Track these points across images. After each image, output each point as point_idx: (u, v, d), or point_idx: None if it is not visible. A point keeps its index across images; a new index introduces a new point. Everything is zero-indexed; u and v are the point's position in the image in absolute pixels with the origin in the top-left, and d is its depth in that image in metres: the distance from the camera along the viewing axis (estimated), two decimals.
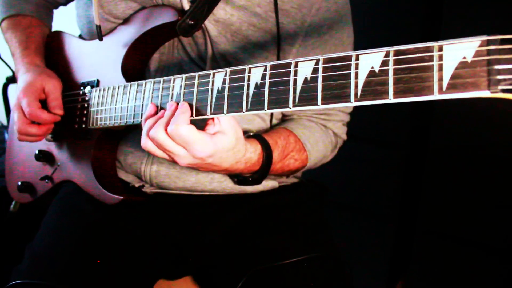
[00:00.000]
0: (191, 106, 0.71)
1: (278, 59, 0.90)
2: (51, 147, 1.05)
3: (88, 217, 0.94)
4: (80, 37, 1.08)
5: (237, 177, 0.89)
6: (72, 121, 0.98)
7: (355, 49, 0.97)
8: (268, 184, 0.99)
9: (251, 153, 0.81)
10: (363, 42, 0.99)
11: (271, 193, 1.00)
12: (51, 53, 1.09)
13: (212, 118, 0.71)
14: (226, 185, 0.96)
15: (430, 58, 0.48)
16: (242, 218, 0.96)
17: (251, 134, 0.86)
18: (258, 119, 0.96)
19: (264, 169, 0.85)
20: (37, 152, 1.04)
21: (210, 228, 0.96)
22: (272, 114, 0.98)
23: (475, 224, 1.40)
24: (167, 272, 0.98)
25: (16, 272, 0.87)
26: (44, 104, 0.97)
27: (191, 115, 0.70)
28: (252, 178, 0.86)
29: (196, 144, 0.69)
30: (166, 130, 0.69)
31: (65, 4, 1.19)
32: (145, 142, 0.73)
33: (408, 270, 1.56)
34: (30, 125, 0.95)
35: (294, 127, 0.96)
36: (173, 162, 0.74)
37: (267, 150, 0.84)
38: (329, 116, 1.00)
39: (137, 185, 1.00)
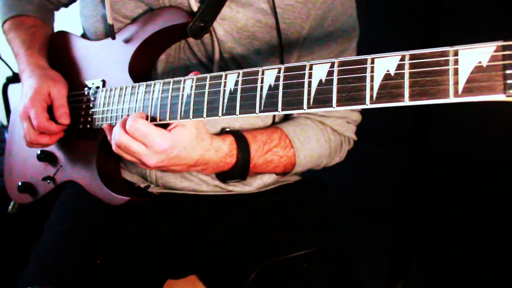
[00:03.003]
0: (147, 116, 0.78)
1: (281, 54, 0.90)
2: (54, 147, 1.04)
3: (93, 220, 0.94)
4: (83, 36, 1.08)
5: (221, 175, 0.92)
6: (76, 121, 0.98)
7: (358, 45, 0.98)
8: (265, 177, 1.00)
9: (219, 142, 0.84)
10: (364, 40, 1.00)
11: (275, 191, 1.02)
12: (56, 53, 1.08)
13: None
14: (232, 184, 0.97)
15: (446, 62, 0.50)
16: (247, 216, 0.97)
17: (227, 129, 0.90)
18: (260, 119, 0.97)
19: (242, 162, 0.87)
20: (39, 152, 1.03)
21: (215, 227, 0.97)
22: None
23: (474, 224, 1.42)
24: (173, 271, 0.98)
25: (23, 277, 0.86)
26: (50, 109, 0.96)
27: (149, 120, 0.77)
28: (232, 172, 0.88)
29: (154, 136, 0.74)
30: (125, 131, 0.75)
31: (66, 5, 1.18)
32: (116, 149, 0.79)
33: (408, 270, 1.58)
34: (41, 135, 0.95)
35: (285, 124, 0.96)
36: (143, 165, 0.78)
37: (241, 142, 0.86)
38: (327, 113, 0.98)
39: (142, 185, 1.00)
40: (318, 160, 0.98)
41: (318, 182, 1.10)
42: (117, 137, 0.76)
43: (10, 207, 1.17)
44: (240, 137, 0.87)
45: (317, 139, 0.96)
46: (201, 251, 0.96)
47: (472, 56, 0.48)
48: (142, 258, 0.91)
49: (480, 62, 0.48)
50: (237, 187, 0.99)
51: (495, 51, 0.47)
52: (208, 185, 0.98)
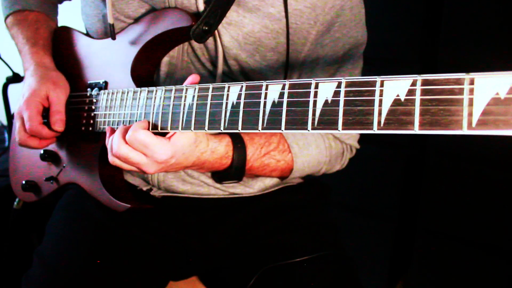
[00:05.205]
0: (149, 122, 0.78)
1: (286, 60, 0.88)
2: (57, 147, 1.02)
3: (97, 223, 0.94)
4: (87, 34, 1.05)
5: (216, 175, 0.91)
6: (78, 123, 0.96)
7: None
8: (267, 180, 0.98)
9: (215, 143, 0.83)
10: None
11: (277, 194, 1.00)
12: (58, 49, 1.05)
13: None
14: (232, 186, 0.96)
15: (460, 91, 0.46)
16: (250, 219, 0.97)
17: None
18: None
19: (238, 164, 0.86)
20: (42, 152, 1.01)
21: (218, 229, 0.96)
22: None
23: (475, 224, 1.41)
24: (175, 273, 0.99)
25: (27, 280, 0.87)
26: (47, 111, 0.94)
27: (150, 128, 0.76)
28: (227, 173, 0.87)
29: (155, 147, 0.73)
30: (125, 140, 0.74)
31: None
32: (113, 160, 0.78)
33: (408, 270, 1.58)
34: (31, 138, 0.94)
35: None
36: (143, 173, 0.78)
37: (237, 144, 0.85)
38: None
39: (144, 188, 0.99)
40: (317, 166, 0.96)
41: (320, 184, 1.08)
42: (115, 148, 0.75)
43: (15, 203, 1.17)
44: (237, 139, 0.86)
45: (316, 145, 0.94)
46: (203, 253, 0.96)
47: (489, 87, 0.45)
48: (145, 260, 0.92)
49: (497, 94, 0.44)
50: (238, 189, 0.98)
51: None
52: (210, 188, 0.97)
